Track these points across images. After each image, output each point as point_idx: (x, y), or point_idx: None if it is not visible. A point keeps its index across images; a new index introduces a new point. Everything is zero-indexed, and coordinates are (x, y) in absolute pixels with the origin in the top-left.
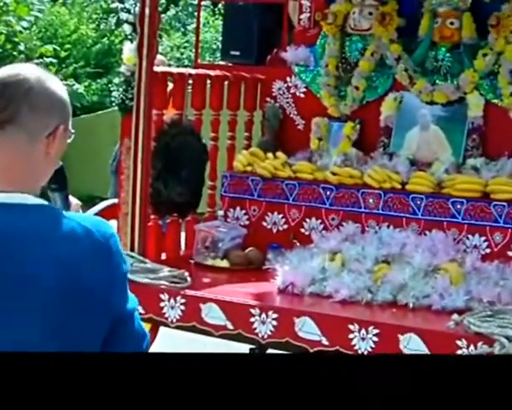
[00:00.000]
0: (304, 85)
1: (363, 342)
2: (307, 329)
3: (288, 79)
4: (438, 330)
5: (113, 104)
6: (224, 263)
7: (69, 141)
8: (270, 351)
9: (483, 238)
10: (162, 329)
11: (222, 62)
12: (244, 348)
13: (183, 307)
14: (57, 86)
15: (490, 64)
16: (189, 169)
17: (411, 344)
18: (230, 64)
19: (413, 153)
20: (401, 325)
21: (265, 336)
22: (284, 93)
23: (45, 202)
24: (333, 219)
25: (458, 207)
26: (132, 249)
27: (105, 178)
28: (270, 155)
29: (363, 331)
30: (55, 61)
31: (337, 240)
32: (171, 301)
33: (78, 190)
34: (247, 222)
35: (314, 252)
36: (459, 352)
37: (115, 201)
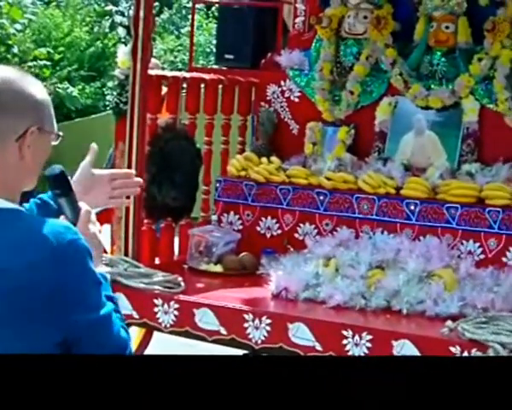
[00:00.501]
0: (298, 90)
1: (356, 348)
2: (301, 334)
3: (282, 83)
4: (431, 336)
5: (108, 108)
6: (218, 268)
7: (55, 144)
8: None
9: (477, 244)
10: (156, 334)
11: (216, 66)
12: (237, 353)
13: (176, 313)
14: (31, 87)
15: (485, 69)
16: (183, 173)
17: (405, 350)
18: (225, 68)
19: (408, 158)
20: (395, 331)
21: (259, 342)
22: (278, 97)
23: (13, 207)
24: (327, 224)
25: (453, 212)
26: (126, 254)
27: None
28: (264, 159)
29: (356, 337)
30: (48, 63)
31: (331, 245)
32: (165, 306)
33: None
34: (241, 227)
35: (308, 257)
36: None
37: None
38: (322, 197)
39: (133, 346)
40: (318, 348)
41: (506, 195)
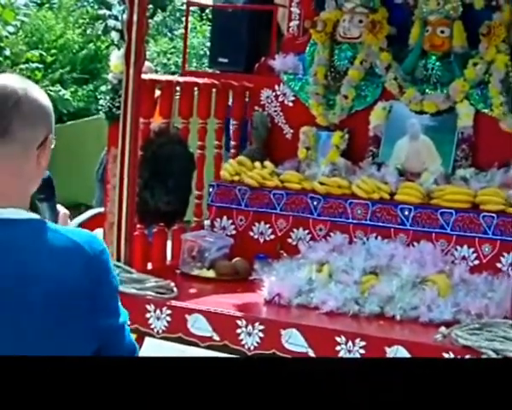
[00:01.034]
0: (292, 94)
1: (349, 355)
2: (294, 341)
3: (276, 87)
4: (425, 342)
5: (100, 112)
6: (211, 273)
7: (52, 147)
8: None
9: (472, 250)
10: (149, 339)
11: (210, 70)
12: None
13: (168, 318)
14: (43, 96)
15: (480, 73)
16: (176, 178)
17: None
18: (218, 72)
19: (402, 163)
20: (388, 337)
21: (252, 348)
22: (272, 101)
23: (36, 217)
24: (320, 229)
25: (447, 218)
26: (118, 259)
27: (91, 185)
28: (257, 164)
29: (349, 344)
30: (41, 66)
31: (324, 251)
32: (157, 311)
33: (63, 197)
34: (234, 232)
35: (301, 263)
36: None
37: (101, 210)
38: (315, 202)
39: None
40: (311, 354)
41: (501, 200)
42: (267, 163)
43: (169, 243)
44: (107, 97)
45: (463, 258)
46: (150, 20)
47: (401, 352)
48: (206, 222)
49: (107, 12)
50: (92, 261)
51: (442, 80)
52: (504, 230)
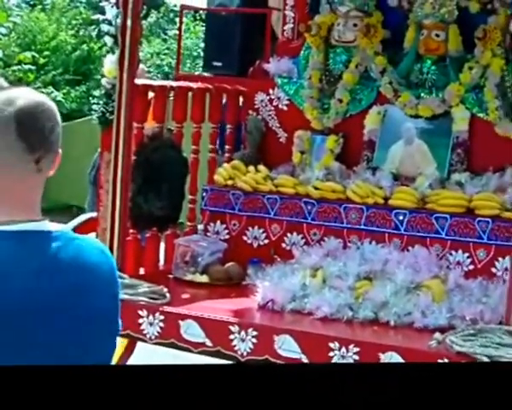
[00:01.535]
0: (287, 98)
1: (343, 361)
2: (287, 347)
3: (270, 91)
4: (419, 348)
5: (94, 117)
6: (204, 278)
7: None
8: None
9: (466, 255)
10: (142, 344)
11: (204, 73)
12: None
13: (161, 324)
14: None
15: (476, 77)
16: (170, 183)
17: None
18: (212, 75)
19: (397, 167)
20: (382, 343)
21: (245, 354)
22: (267, 105)
23: (62, 228)
24: (314, 234)
25: (442, 222)
26: None
27: (83, 187)
28: (251, 168)
29: (343, 350)
30: (33, 68)
31: (318, 256)
32: (150, 317)
33: (55, 198)
34: (228, 236)
35: (295, 268)
36: None
37: (93, 215)
38: (309, 207)
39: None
40: (305, 360)
41: (496, 205)
42: (261, 167)
43: (162, 248)
44: (101, 102)
45: (458, 263)
46: (144, 21)
47: (395, 358)
48: (200, 226)
49: (101, 16)
50: (112, 271)
51: (437, 84)
52: (499, 235)
